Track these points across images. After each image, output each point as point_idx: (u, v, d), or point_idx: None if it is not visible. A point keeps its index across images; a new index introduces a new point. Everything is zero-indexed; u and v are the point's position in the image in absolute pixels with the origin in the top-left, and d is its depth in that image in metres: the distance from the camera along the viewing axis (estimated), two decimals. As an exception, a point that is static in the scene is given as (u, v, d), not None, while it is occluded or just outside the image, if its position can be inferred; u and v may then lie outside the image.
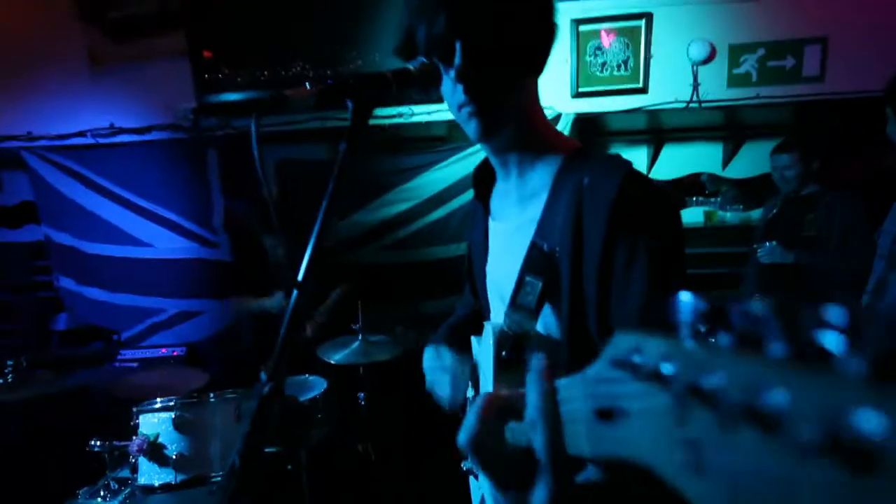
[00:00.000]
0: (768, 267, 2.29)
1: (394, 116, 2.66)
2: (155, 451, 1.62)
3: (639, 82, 2.46)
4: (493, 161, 0.82)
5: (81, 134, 3.15)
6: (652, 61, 2.47)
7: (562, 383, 0.41)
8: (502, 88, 0.71)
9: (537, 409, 0.41)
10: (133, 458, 1.64)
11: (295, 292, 0.67)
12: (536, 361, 0.46)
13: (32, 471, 2.09)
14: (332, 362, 1.95)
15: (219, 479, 1.66)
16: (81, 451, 1.77)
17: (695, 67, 2.44)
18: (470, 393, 0.99)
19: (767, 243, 2.27)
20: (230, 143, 2.96)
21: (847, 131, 2.45)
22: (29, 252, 3.39)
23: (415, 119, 2.67)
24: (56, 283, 3.27)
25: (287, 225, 2.47)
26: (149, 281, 3.17)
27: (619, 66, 2.46)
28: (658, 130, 2.78)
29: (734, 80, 2.44)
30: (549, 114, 1.86)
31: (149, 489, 1.62)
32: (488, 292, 0.87)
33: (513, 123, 0.73)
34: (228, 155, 2.98)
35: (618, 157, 0.72)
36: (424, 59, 0.69)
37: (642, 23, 2.42)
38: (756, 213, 2.49)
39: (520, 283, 0.72)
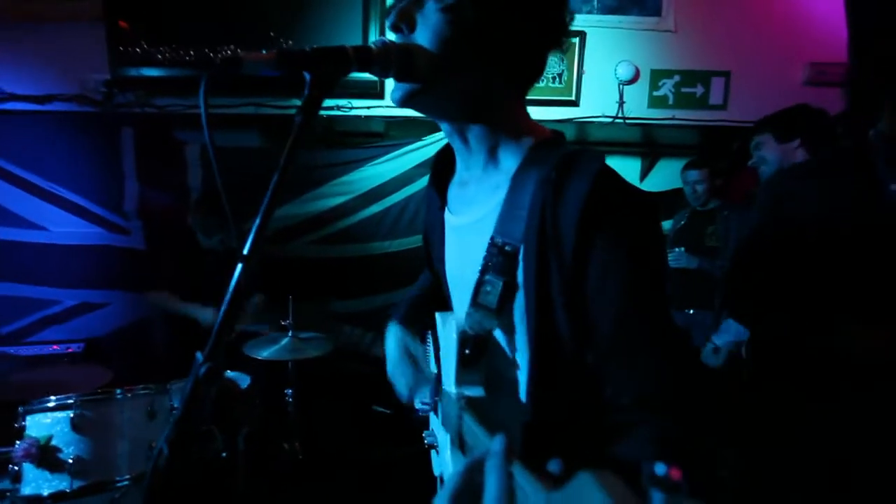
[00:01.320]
0: (676, 271, 2.53)
1: (332, 108, 2.60)
2: (45, 456, 1.44)
3: (571, 95, 2.62)
4: (455, 147, 0.77)
5: (-40, 97, 2.73)
6: (584, 77, 2.65)
7: (518, 472, 0.42)
8: (485, 52, 0.66)
9: (495, 500, 0.42)
10: (16, 465, 1.44)
11: (239, 266, 0.64)
12: (497, 443, 0.45)
13: None
14: (261, 358, 1.85)
15: (125, 482, 1.51)
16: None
17: (621, 87, 2.65)
18: (433, 370, 0.99)
19: (676, 249, 2.51)
20: (149, 123, 2.72)
21: (745, 154, 2.78)
22: None
23: (353, 112, 2.63)
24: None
25: (214, 216, 2.32)
26: (40, 269, 2.81)
27: (553, 79, 2.61)
28: (584, 142, 2.97)
29: (654, 102, 2.69)
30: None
31: (35, 500, 1.44)
32: (449, 286, 0.85)
33: (464, 101, 0.69)
34: (146, 135, 2.74)
35: (590, 150, 0.67)
36: (385, 39, 0.67)
37: (577, 40, 2.59)
38: (667, 224, 2.74)
39: (480, 282, 0.69)
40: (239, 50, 0.62)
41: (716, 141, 2.84)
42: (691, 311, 2.52)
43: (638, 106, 2.70)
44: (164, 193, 2.78)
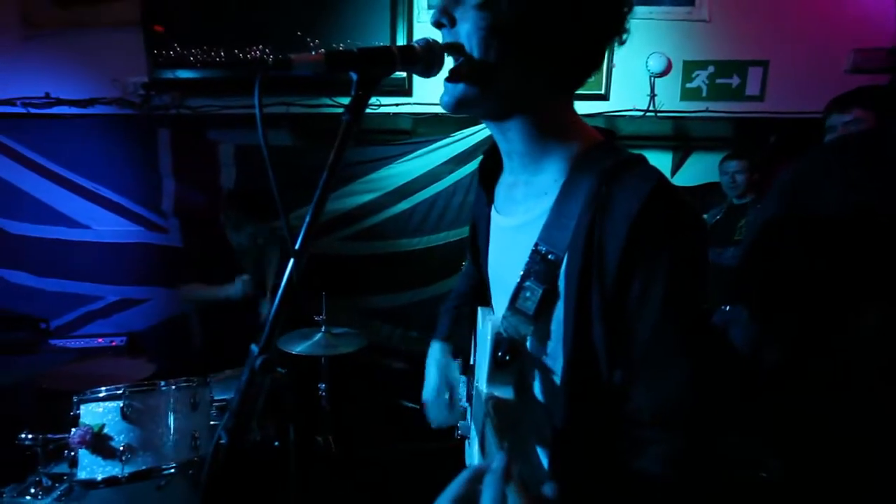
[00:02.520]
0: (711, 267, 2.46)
1: (361, 105, 2.63)
2: (99, 443, 1.51)
3: (601, 89, 2.58)
4: (501, 149, 0.76)
5: (11, 102, 2.87)
6: (614, 70, 2.61)
7: (512, 495, 0.44)
8: (527, 53, 0.64)
9: None
10: (72, 451, 1.52)
11: (291, 261, 0.66)
12: (496, 461, 0.47)
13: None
14: (294, 353, 1.90)
15: (171, 470, 1.57)
16: (7, 446, 1.62)
17: (652, 79, 2.60)
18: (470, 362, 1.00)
19: (731, 249, 2.44)
20: (183, 124, 2.80)
21: (782, 148, 2.69)
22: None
23: (381, 110, 2.65)
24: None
25: (245, 212, 2.38)
26: (85, 266, 2.94)
27: (582, 73, 2.57)
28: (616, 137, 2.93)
29: (686, 94, 2.62)
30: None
31: (90, 484, 1.51)
32: (490, 283, 0.86)
33: (512, 103, 0.68)
34: (181, 136, 2.82)
35: (643, 162, 0.66)
36: (429, 39, 0.67)
37: (606, 33, 2.54)
38: (700, 219, 2.68)
39: (519, 287, 0.69)
40: (290, 53, 0.63)
41: (752, 133, 2.75)
42: (727, 308, 2.46)
43: (670, 98, 2.64)
44: (198, 192, 2.86)
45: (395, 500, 2.11)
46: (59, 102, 2.86)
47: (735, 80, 2.60)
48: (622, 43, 0.70)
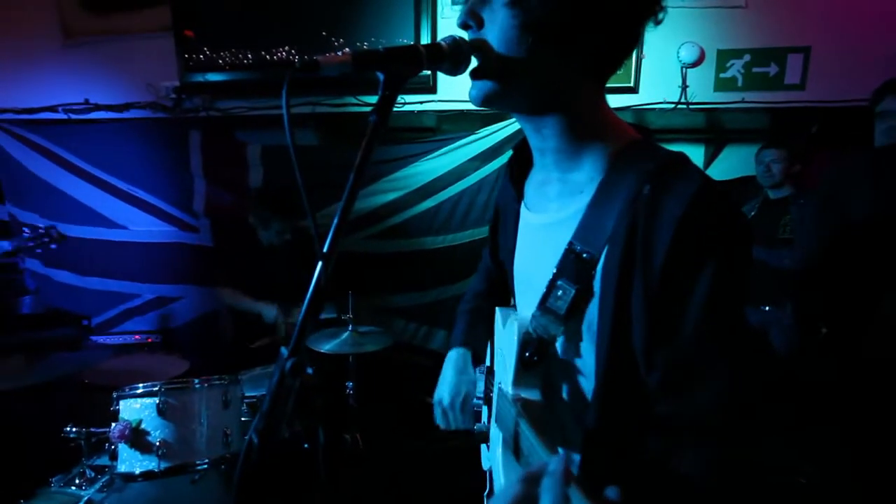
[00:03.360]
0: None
1: (386, 104, 2.63)
2: (137, 438, 1.56)
3: (630, 81, 2.51)
4: (532, 145, 0.74)
5: (53, 109, 3.00)
6: (643, 62, 2.53)
7: (575, 496, 0.43)
8: (560, 43, 0.62)
9: None
10: (113, 444, 1.58)
11: (319, 264, 0.65)
12: (555, 463, 0.46)
13: (3, 459, 1.98)
14: (322, 351, 1.92)
15: (204, 466, 1.61)
16: (54, 438, 1.69)
17: (684, 70, 2.51)
18: (486, 362, 0.99)
19: (786, 251, 2.33)
20: (213, 125, 2.87)
21: (824, 138, 2.56)
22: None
23: (406, 108, 2.65)
24: (21, 264, 3.11)
25: (273, 209, 2.40)
26: (123, 265, 3.06)
27: (610, 65, 2.51)
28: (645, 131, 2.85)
29: (720, 84, 2.52)
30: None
31: (129, 477, 1.56)
32: (515, 281, 0.85)
33: (541, 98, 0.66)
34: (211, 137, 2.89)
35: (685, 160, 0.63)
36: (455, 36, 0.67)
37: (635, 23, 2.47)
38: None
39: (551, 286, 0.67)
40: (316, 55, 0.63)
41: (791, 123, 2.63)
42: (766, 308, 2.36)
43: (703, 90, 2.54)
44: (227, 192, 2.93)
45: (422, 497, 2.12)
46: (97, 108, 2.97)
47: (773, 69, 2.49)
48: (658, 23, 0.67)
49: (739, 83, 2.52)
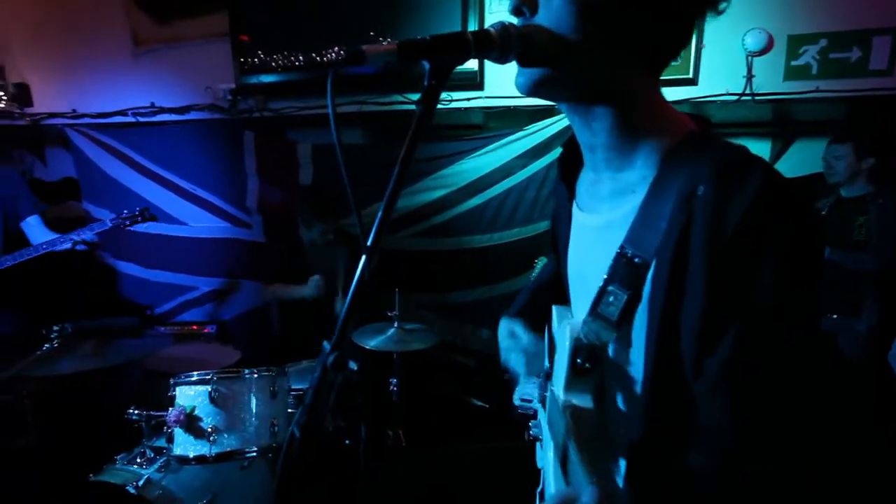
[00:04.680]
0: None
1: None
2: (191, 423, 1.64)
3: (689, 73, 2.37)
4: (581, 142, 0.71)
5: (123, 112, 3.21)
6: (704, 51, 2.38)
7: None
8: (618, 35, 0.60)
9: None
10: (169, 428, 1.66)
11: (363, 259, 0.65)
12: (589, 496, 0.46)
13: (74, 436, 2.15)
14: (368, 347, 1.94)
15: (252, 454, 1.66)
16: (119, 419, 1.81)
17: (749, 59, 2.34)
18: (545, 365, 0.96)
19: (865, 255, 2.16)
20: (266, 125, 2.97)
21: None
22: (70, 225, 3.47)
23: (452, 105, 2.63)
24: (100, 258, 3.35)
25: (322, 209, 2.46)
26: (182, 258, 3.23)
27: (668, 56, 2.38)
28: (703, 125, 2.68)
29: (792, 73, 2.33)
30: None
31: (183, 460, 1.64)
32: (569, 281, 0.82)
33: (593, 86, 0.63)
34: (264, 137, 3.00)
35: (745, 153, 0.58)
36: (505, 22, 0.64)
37: (695, 10, 2.33)
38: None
39: (602, 291, 0.65)
40: (363, 46, 0.62)
41: (873, 114, 2.39)
42: (835, 317, 2.17)
43: (771, 79, 2.36)
44: (278, 190, 3.03)
45: (465, 498, 2.10)
46: (162, 111, 3.15)
47: (854, 54, 2.26)
48: (720, 13, 0.63)
49: (814, 71, 2.31)
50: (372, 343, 1.96)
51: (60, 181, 3.46)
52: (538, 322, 0.99)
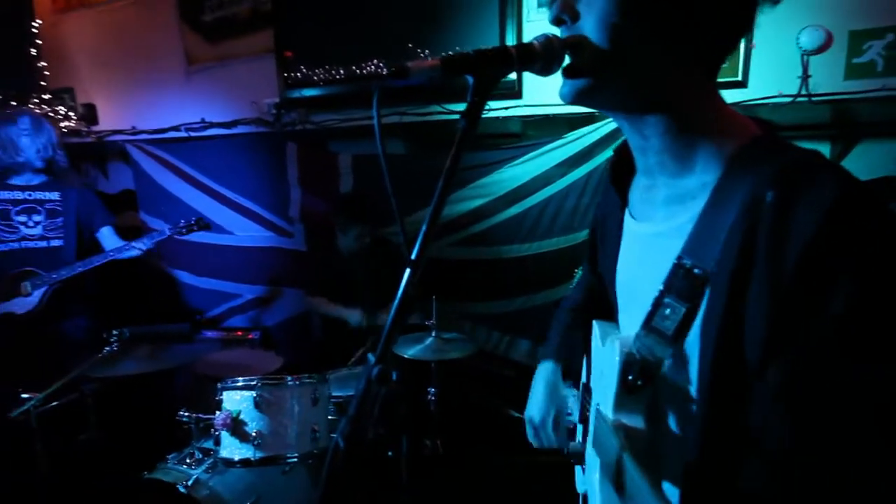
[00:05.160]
0: None
1: (471, 111, 2.63)
2: (236, 427, 1.69)
3: (737, 75, 2.27)
4: (632, 145, 0.69)
5: (176, 128, 3.40)
6: (753, 52, 2.27)
7: None
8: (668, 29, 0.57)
9: None
10: (216, 431, 1.71)
11: (407, 272, 0.65)
12: None
13: (130, 433, 2.27)
14: (406, 356, 1.95)
15: (294, 459, 1.70)
16: (170, 420, 1.89)
17: (805, 58, 2.21)
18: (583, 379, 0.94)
19: None
20: (308, 137, 3.07)
21: None
22: (128, 234, 3.69)
23: (491, 114, 2.63)
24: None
25: (357, 213, 2.50)
26: (229, 267, 3.36)
27: (714, 58, 2.29)
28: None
29: (853, 71, 2.18)
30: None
31: (229, 462, 1.69)
32: (618, 294, 0.78)
33: (642, 91, 0.61)
34: (306, 148, 3.09)
35: (819, 158, 0.53)
36: (548, 34, 0.63)
37: (744, 10, 2.24)
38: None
39: (657, 304, 0.62)
40: (407, 62, 0.63)
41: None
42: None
43: (829, 79, 2.22)
44: (320, 199, 3.10)
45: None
46: (211, 125, 3.32)
47: (926, 49, 2.10)
48: (776, 3, 0.60)
49: (879, 68, 2.16)
50: (410, 352, 1.97)
51: (120, 193, 3.70)
52: (576, 351, 0.97)
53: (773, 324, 0.51)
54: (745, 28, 0.61)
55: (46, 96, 3.52)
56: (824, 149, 2.54)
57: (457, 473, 2.22)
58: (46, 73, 3.56)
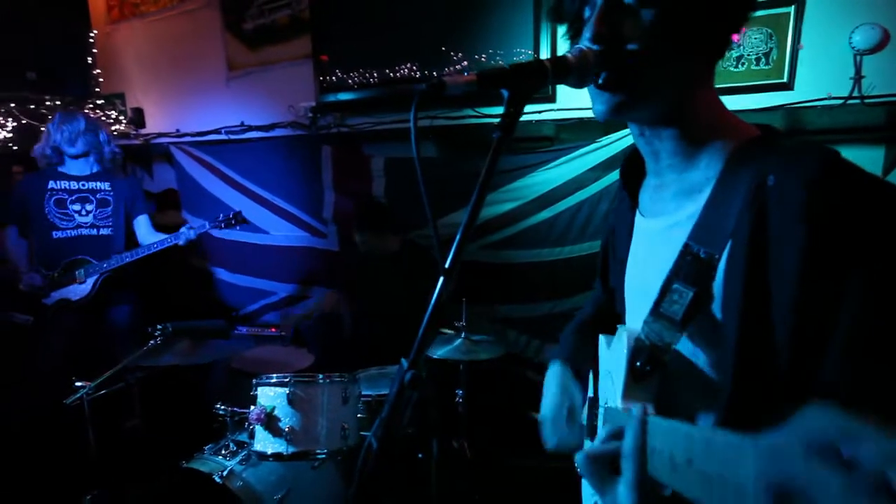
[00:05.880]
0: None
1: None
2: (270, 422, 1.74)
3: (783, 77, 2.18)
4: (643, 150, 0.72)
5: (217, 131, 3.53)
6: (801, 53, 2.18)
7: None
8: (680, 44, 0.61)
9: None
10: (251, 425, 1.78)
11: (441, 279, 0.66)
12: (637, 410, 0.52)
13: (170, 423, 2.37)
14: (435, 357, 1.96)
15: (323, 455, 1.74)
16: (207, 412, 1.97)
17: (858, 58, 2.11)
18: (590, 394, 0.94)
19: None
20: (342, 140, 3.13)
21: None
22: (170, 232, 3.86)
23: (523, 118, 2.61)
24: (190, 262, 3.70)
25: (393, 221, 2.53)
26: (264, 265, 3.47)
27: (757, 60, 2.21)
28: (800, 132, 2.44)
29: (911, 71, 2.07)
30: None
31: (262, 456, 1.75)
32: (626, 293, 0.80)
33: (670, 102, 0.64)
34: (340, 151, 3.15)
35: (816, 145, 0.58)
36: (582, 47, 0.63)
37: (791, 9, 2.15)
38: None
39: (665, 290, 0.64)
40: (444, 77, 0.65)
41: None
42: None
43: (885, 79, 2.10)
44: (352, 201, 3.16)
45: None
46: (250, 128, 3.43)
47: None
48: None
49: (940, 67, 2.04)
50: (439, 353, 1.98)
51: (164, 192, 3.87)
52: (584, 365, 0.96)
53: (802, 288, 0.52)
54: (730, 38, 0.65)
55: (100, 101, 3.73)
56: (878, 152, 2.42)
57: (483, 475, 2.22)
58: (101, 79, 3.77)
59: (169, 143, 3.66)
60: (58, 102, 3.48)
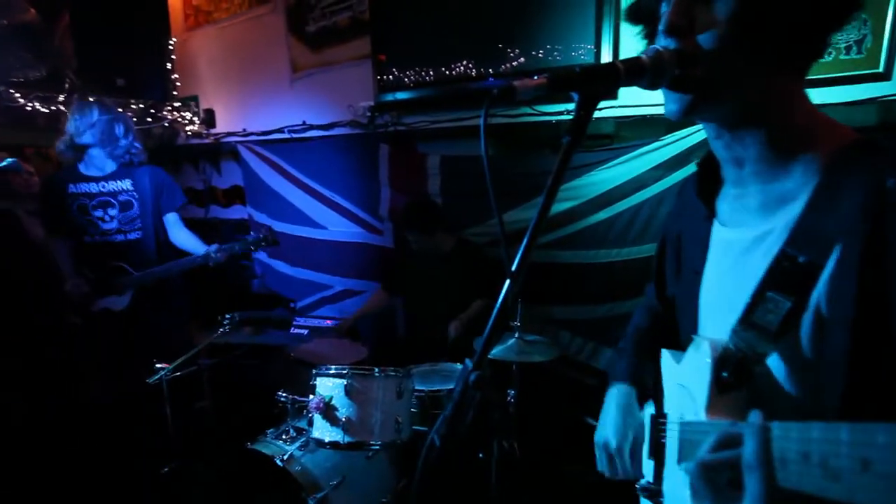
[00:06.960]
0: None
1: (561, 113, 2.56)
2: (328, 411, 1.81)
3: (878, 66, 1.98)
4: (721, 157, 0.69)
5: (280, 130, 3.70)
6: (900, 40, 1.97)
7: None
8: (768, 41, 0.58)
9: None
10: (310, 413, 1.86)
11: (507, 283, 0.67)
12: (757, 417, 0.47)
13: (234, 407, 2.53)
14: (489, 357, 1.95)
15: (377, 446, 1.79)
16: (270, 398, 2.08)
17: (971, 44, 1.88)
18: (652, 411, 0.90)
19: None
20: (399, 139, 3.18)
21: None
22: (236, 227, 4.11)
23: (582, 115, 2.55)
24: (253, 254, 3.91)
25: (444, 220, 2.54)
26: (321, 259, 3.60)
27: (847, 48, 2.02)
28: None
29: None
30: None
31: (320, 443, 1.82)
32: (701, 305, 0.76)
33: (749, 102, 0.61)
34: (397, 149, 3.21)
35: None
36: (657, 47, 0.61)
37: (889, -8, 1.95)
38: None
39: (758, 299, 0.61)
40: (514, 81, 0.64)
41: None
42: None
43: None
44: (408, 199, 3.22)
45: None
46: (311, 128, 3.57)
47: None
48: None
49: None
50: (492, 352, 1.97)
51: (231, 188, 4.12)
52: (644, 379, 0.93)
53: None
54: (836, 29, 0.60)
55: (177, 104, 4.01)
56: None
57: (532, 477, 2.20)
58: (178, 83, 4.06)
59: (236, 141, 3.88)
60: (141, 105, 3.78)
